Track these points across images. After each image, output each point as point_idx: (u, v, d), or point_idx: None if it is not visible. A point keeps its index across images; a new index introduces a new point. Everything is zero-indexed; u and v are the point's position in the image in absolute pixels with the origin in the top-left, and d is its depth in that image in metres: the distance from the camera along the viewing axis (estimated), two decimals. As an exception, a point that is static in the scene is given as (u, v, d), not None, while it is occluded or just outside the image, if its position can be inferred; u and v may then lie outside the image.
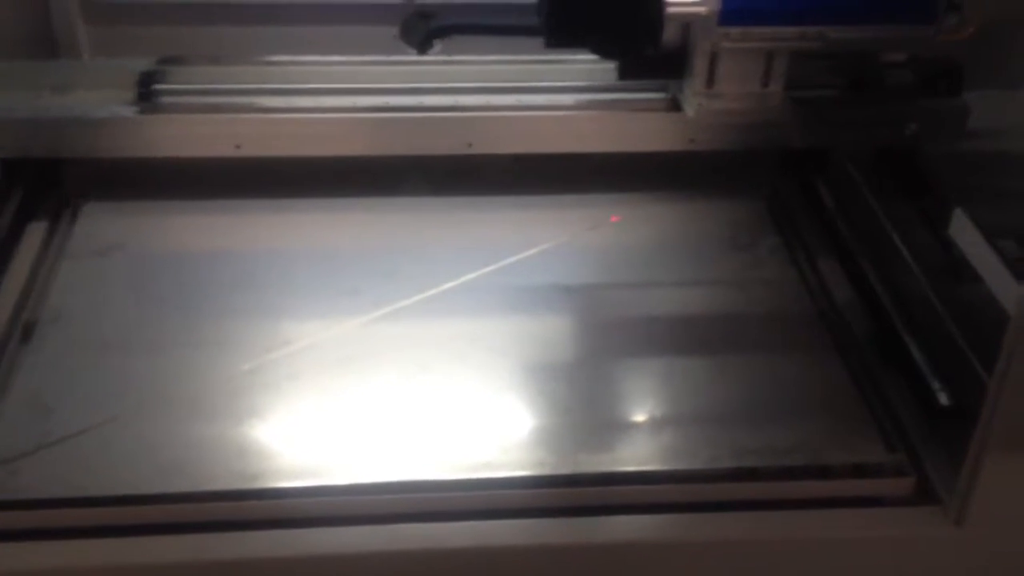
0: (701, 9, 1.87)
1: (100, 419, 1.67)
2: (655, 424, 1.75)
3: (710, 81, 2.01)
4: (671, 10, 1.86)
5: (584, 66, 2.20)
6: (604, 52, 1.99)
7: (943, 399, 1.70)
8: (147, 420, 1.68)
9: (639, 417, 1.78)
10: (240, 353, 1.81)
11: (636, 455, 1.67)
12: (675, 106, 2.11)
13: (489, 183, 2.23)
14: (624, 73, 2.06)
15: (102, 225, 2.11)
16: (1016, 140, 2.09)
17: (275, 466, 1.62)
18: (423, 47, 2.15)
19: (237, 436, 1.67)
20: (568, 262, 2.08)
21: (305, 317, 1.90)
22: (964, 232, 1.76)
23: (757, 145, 2.17)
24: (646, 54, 1.92)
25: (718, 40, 1.89)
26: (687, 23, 1.94)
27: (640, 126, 2.15)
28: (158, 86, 2.13)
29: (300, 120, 2.10)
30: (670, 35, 1.93)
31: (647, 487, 1.63)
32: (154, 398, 1.72)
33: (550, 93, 2.20)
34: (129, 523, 1.55)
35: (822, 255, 2.10)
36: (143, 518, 1.56)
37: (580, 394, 1.78)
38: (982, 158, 2.08)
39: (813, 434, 1.70)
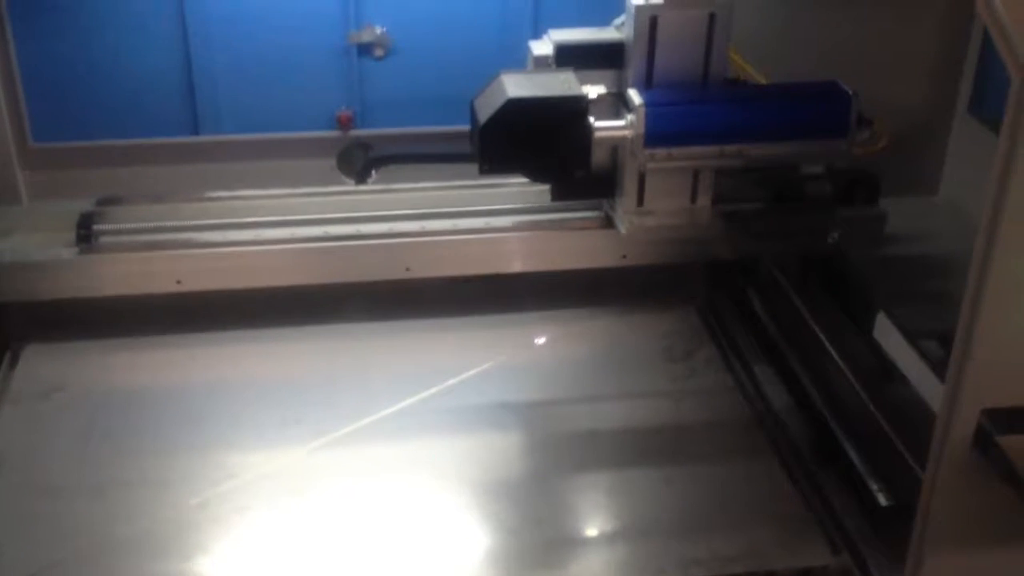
0: (627, 133, 1.95)
1: (46, 564, 1.65)
2: (601, 540, 1.77)
3: (640, 199, 2.08)
4: (599, 135, 1.94)
5: (518, 188, 2.26)
6: (536, 176, 2.05)
7: (882, 499, 1.74)
8: (94, 563, 1.66)
9: (585, 534, 1.79)
10: (187, 488, 1.80)
11: (584, 573, 1.68)
12: (608, 223, 2.18)
13: (428, 306, 2.27)
14: (557, 195, 2.12)
15: (43, 368, 2.11)
16: (930, 243, 2.19)
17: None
18: (361, 177, 2.20)
19: (187, 574, 1.65)
20: (509, 381, 2.11)
21: (250, 449, 1.91)
22: (888, 335, 1.83)
23: (688, 258, 2.25)
24: (577, 177, 1.99)
25: (644, 161, 1.97)
26: (615, 146, 2.03)
27: (574, 244, 2.21)
28: (97, 226, 2.14)
29: (240, 253, 2.13)
30: (599, 158, 2.00)
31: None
32: (101, 540, 1.70)
33: (485, 216, 2.25)
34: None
35: (756, 361, 2.16)
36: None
37: (525, 513, 1.79)
38: (900, 262, 2.16)
39: (758, 541, 1.73)
